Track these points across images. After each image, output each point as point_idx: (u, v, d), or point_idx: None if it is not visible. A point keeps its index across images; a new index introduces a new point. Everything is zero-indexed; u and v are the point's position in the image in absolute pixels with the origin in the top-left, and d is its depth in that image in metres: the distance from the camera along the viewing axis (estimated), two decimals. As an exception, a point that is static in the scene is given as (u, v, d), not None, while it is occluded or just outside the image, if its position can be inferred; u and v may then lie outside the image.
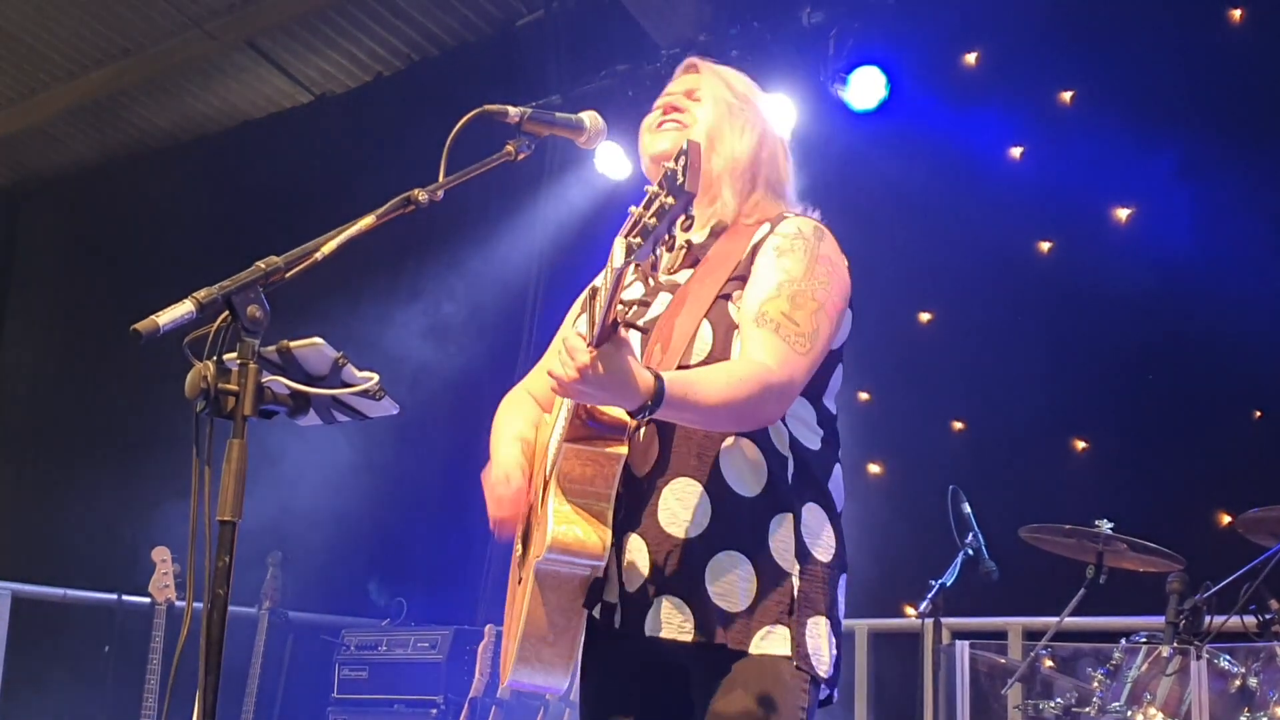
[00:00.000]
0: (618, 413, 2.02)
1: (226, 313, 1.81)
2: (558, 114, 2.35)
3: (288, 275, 1.89)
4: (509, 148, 2.27)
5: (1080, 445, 5.42)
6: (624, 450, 2.06)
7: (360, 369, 2.02)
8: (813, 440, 2.25)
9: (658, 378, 1.92)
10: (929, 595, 4.41)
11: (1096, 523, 4.09)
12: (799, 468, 2.20)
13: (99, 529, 7.93)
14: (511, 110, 2.28)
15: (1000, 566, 4.43)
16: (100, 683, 6.24)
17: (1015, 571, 4.54)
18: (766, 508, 2.16)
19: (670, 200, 1.76)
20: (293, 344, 1.95)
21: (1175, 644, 3.76)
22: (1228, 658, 3.81)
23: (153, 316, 1.73)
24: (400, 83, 8.01)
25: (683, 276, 2.29)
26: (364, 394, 2.00)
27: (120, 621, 6.08)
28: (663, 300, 2.26)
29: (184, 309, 1.76)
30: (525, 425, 2.41)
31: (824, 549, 2.21)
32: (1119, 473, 5.15)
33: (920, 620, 4.52)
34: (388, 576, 6.93)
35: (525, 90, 6.89)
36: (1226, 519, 4.79)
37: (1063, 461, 5.39)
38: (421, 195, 2.09)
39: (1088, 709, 3.99)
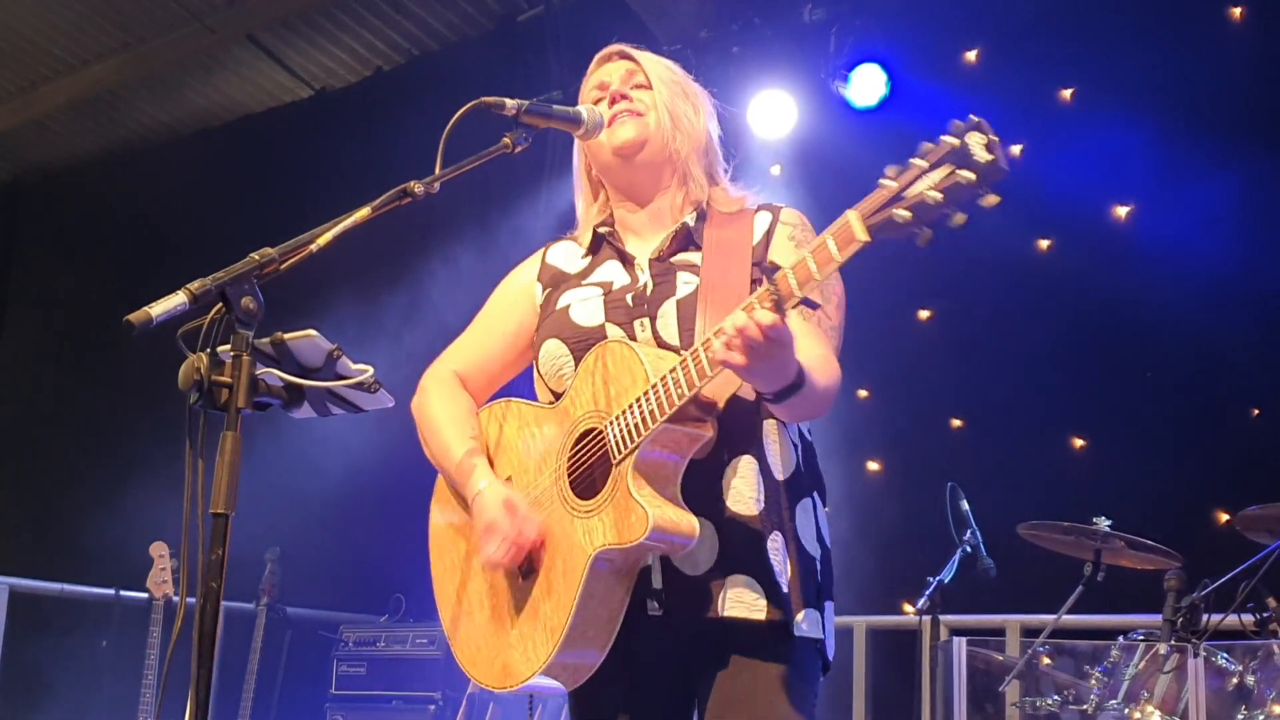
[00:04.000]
0: (716, 395, 2.04)
1: (220, 304, 1.80)
2: (555, 107, 2.33)
3: (282, 267, 1.88)
4: (506, 140, 2.25)
5: (1078, 443, 5.41)
6: (710, 432, 2.06)
7: (355, 362, 2.01)
8: (809, 434, 2.31)
9: (799, 365, 1.94)
10: (927, 592, 4.41)
11: (1094, 520, 4.09)
12: (807, 457, 2.26)
13: (97, 523, 7.91)
14: (509, 103, 2.26)
15: (998, 564, 4.43)
16: (98, 678, 6.24)
17: (1013, 569, 4.54)
18: (794, 491, 2.19)
19: (968, 175, 1.62)
20: (287, 336, 1.94)
21: (1173, 641, 3.76)
22: (1225, 655, 3.81)
23: (145, 308, 1.72)
24: (400, 77, 8.01)
25: (687, 258, 2.26)
26: (359, 386, 2.00)
27: (118, 616, 6.08)
28: (685, 280, 2.22)
29: (177, 300, 1.75)
30: (469, 424, 2.37)
31: (828, 535, 2.27)
32: (1117, 470, 5.15)
33: (918, 617, 4.52)
34: (386, 573, 6.92)
35: (525, 85, 6.88)
36: (1224, 517, 4.79)
37: (1061, 459, 5.38)
38: (418, 187, 2.07)
39: (1085, 706, 3.98)
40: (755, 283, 2.15)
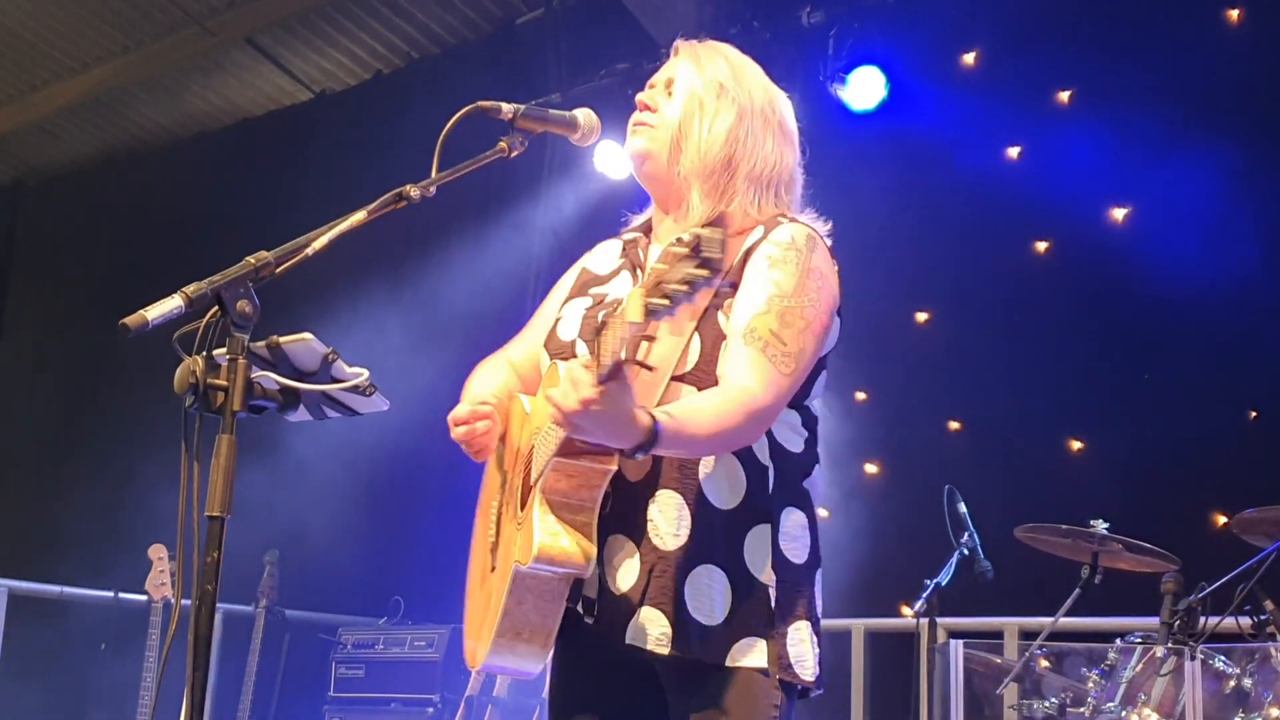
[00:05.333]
0: None
1: (216, 308, 1.81)
2: (551, 111, 2.34)
3: (278, 270, 1.89)
4: (502, 144, 2.26)
5: (1076, 445, 5.41)
6: (614, 466, 2.05)
7: (351, 365, 2.02)
8: (796, 443, 2.23)
9: (654, 420, 1.90)
10: (924, 595, 4.41)
11: (1092, 523, 4.09)
12: (779, 475, 2.18)
13: (96, 526, 7.93)
14: (505, 107, 2.26)
15: (995, 566, 4.43)
16: (97, 680, 6.24)
17: (1011, 571, 4.54)
18: (744, 520, 2.14)
19: (702, 272, 1.71)
20: (282, 339, 1.95)
21: (1170, 644, 3.76)
22: (1222, 658, 3.81)
23: (141, 311, 1.73)
24: (400, 81, 8.02)
25: None
26: (354, 390, 2.00)
27: (117, 619, 6.08)
28: None
29: (173, 304, 1.76)
30: (499, 387, 2.37)
31: (800, 552, 2.19)
32: (1115, 473, 5.15)
33: (916, 620, 4.52)
34: (385, 576, 6.93)
35: (525, 89, 6.89)
36: (1222, 519, 4.79)
37: (1059, 461, 5.38)
38: (413, 191, 2.08)
39: (1082, 709, 3.98)
40: (713, 307, 2.12)
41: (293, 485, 6.60)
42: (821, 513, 2.31)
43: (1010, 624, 5.06)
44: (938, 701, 4.53)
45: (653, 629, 2.09)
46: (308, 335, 1.97)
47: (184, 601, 1.83)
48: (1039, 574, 4.58)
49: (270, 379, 1.92)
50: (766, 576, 2.14)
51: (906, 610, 5.34)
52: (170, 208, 8.74)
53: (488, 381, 2.40)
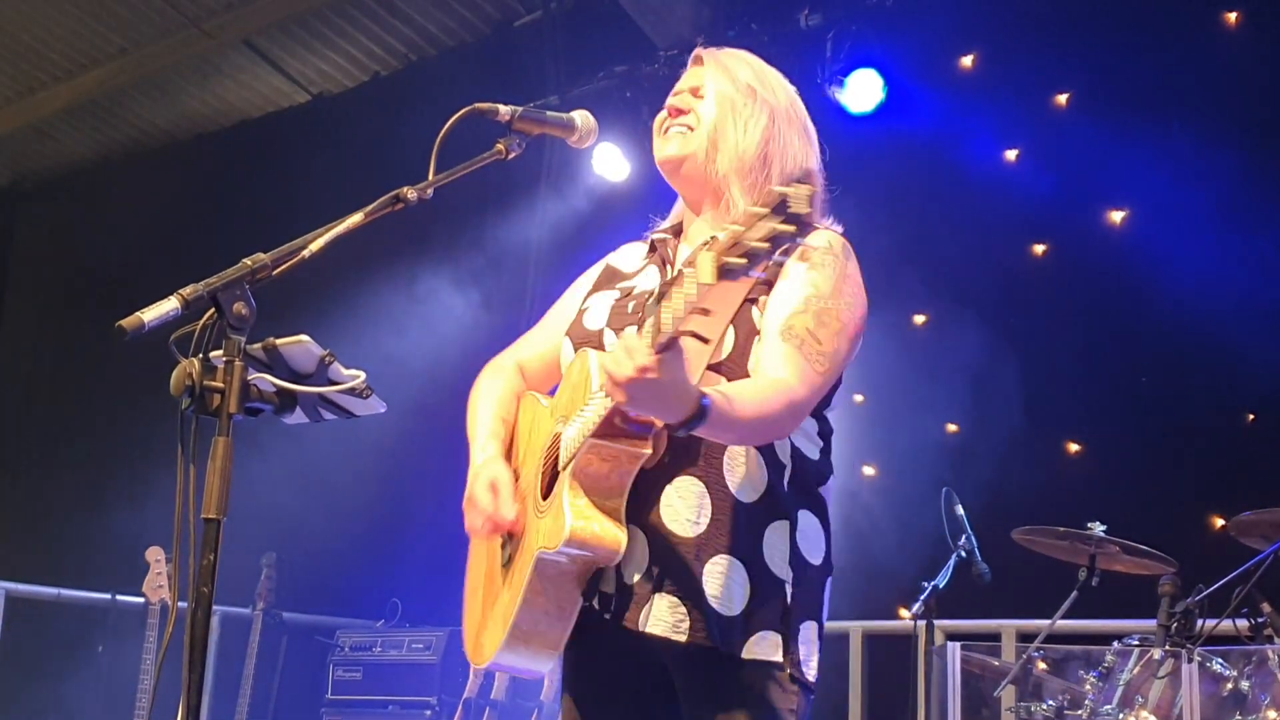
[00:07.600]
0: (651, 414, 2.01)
1: (213, 310, 1.81)
2: (549, 113, 2.34)
3: (275, 272, 1.88)
4: (499, 146, 2.26)
5: (1073, 447, 5.42)
6: (648, 450, 2.04)
7: (348, 367, 2.02)
8: (812, 450, 2.24)
9: (702, 395, 1.90)
10: (922, 597, 4.41)
11: (1089, 525, 4.09)
12: (796, 475, 2.19)
13: (93, 528, 7.93)
14: (502, 109, 2.27)
15: (993, 568, 4.43)
16: (94, 682, 6.24)
17: (1008, 573, 4.54)
18: (764, 514, 2.14)
19: (788, 228, 1.67)
20: (279, 341, 1.95)
21: (1167, 647, 3.76)
22: (1219, 660, 3.82)
23: (137, 313, 1.72)
24: (398, 83, 8.02)
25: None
26: (351, 392, 2.00)
27: (114, 621, 6.08)
28: None
29: (169, 306, 1.75)
30: (504, 407, 2.38)
31: (816, 554, 2.20)
32: (1112, 475, 5.15)
33: (913, 622, 4.52)
34: (382, 578, 6.92)
35: (523, 91, 6.89)
36: (1219, 522, 4.80)
37: (1056, 464, 5.39)
38: (410, 193, 2.08)
39: (1080, 711, 3.99)
40: (749, 301, 2.13)
41: (290, 488, 6.60)
42: None
43: (1008, 626, 5.06)
44: (935, 704, 4.53)
45: (670, 616, 2.07)
46: (304, 337, 1.96)
47: (181, 604, 1.82)
48: (1036, 576, 4.58)
49: (266, 381, 1.92)
50: (784, 573, 2.14)
51: (904, 612, 5.33)
52: (168, 210, 8.73)
53: (490, 404, 2.37)
